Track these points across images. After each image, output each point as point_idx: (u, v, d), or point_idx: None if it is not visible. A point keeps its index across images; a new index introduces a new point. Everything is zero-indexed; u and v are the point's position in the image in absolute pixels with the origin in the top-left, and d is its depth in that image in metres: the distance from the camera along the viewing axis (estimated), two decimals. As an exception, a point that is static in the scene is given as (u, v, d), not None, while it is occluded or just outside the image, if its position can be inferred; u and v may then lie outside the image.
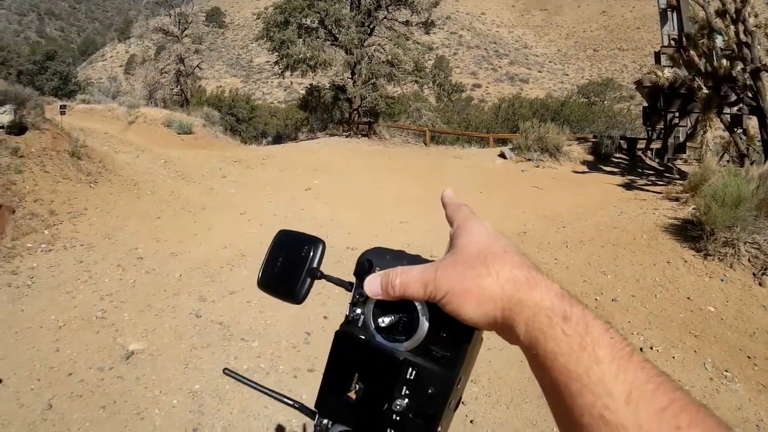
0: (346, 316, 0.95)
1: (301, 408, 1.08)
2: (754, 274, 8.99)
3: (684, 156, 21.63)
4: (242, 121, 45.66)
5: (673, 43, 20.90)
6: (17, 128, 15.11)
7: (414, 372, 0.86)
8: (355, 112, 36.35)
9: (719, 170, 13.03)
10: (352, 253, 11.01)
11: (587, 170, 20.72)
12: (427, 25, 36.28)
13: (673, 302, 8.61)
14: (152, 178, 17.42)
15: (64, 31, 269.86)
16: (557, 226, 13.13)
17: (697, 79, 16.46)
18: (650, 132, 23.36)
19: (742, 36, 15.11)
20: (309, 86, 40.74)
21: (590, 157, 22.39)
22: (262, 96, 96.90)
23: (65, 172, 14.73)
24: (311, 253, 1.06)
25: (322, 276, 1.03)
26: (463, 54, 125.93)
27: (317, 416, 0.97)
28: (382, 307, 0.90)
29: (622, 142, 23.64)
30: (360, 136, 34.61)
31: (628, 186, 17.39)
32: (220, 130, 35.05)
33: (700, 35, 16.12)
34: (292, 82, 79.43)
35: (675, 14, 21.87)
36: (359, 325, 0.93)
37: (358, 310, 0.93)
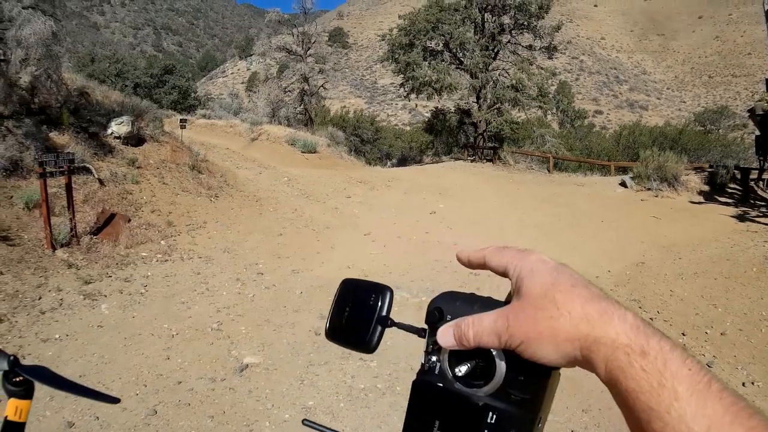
0: (422, 365, 0.91)
1: None
2: None
3: (795, 187, 20.96)
4: (367, 142, 45.99)
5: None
6: (134, 139, 15.54)
7: (495, 416, 0.82)
8: (480, 136, 36.59)
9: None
10: (475, 278, 10.87)
11: (703, 201, 20.75)
12: (550, 50, 36.50)
13: (778, 337, 8.58)
14: (275, 196, 17.74)
15: (182, 46, 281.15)
16: (674, 257, 13.24)
17: (806, 106, 15.97)
18: (762, 161, 22.71)
19: None
20: (434, 109, 41.19)
21: (706, 187, 22.32)
22: (387, 117, 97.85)
23: (185, 185, 15.04)
24: (380, 302, 0.99)
25: (393, 324, 0.97)
26: (585, 80, 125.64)
27: None
28: (458, 354, 0.86)
29: (736, 172, 23.34)
30: (484, 161, 34.70)
31: (741, 218, 17.49)
32: (344, 150, 35.53)
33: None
34: (417, 105, 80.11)
35: (784, 40, 21.46)
36: (436, 372, 0.89)
37: (434, 358, 0.89)
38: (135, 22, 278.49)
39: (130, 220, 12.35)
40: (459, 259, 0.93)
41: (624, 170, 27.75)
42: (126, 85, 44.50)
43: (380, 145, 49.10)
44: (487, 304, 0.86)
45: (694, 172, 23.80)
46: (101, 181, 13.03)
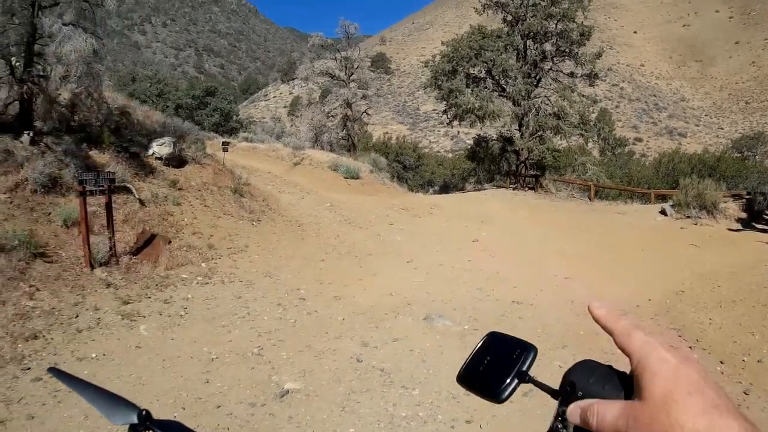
0: (551, 427, 0.94)
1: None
2: None
3: (834, 213, 20.84)
4: (409, 169, 46.23)
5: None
6: (176, 161, 15.60)
7: None
8: (522, 164, 36.45)
9: None
10: (516, 307, 10.90)
11: (741, 228, 20.61)
12: (591, 78, 36.34)
13: (814, 365, 8.68)
14: (317, 221, 17.76)
15: (224, 68, 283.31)
16: (713, 285, 13.06)
17: None
18: (798, 189, 22.24)
19: None
20: (476, 137, 40.94)
21: (743, 215, 22.21)
22: (429, 144, 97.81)
23: (227, 209, 15.07)
24: (522, 358, 1.04)
25: (531, 380, 1.01)
26: (625, 107, 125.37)
27: None
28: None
29: (773, 199, 23.13)
30: (526, 188, 34.61)
31: (779, 245, 17.06)
32: (387, 176, 35.57)
33: None
34: (459, 132, 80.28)
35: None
36: None
37: (560, 426, 0.93)
38: (176, 43, 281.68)
39: (170, 242, 12.36)
40: (590, 311, 0.94)
41: (664, 198, 28.15)
42: (167, 106, 45.19)
43: (422, 171, 49.28)
44: (618, 386, 0.88)
45: (732, 199, 23.83)
46: (142, 202, 13.08)
